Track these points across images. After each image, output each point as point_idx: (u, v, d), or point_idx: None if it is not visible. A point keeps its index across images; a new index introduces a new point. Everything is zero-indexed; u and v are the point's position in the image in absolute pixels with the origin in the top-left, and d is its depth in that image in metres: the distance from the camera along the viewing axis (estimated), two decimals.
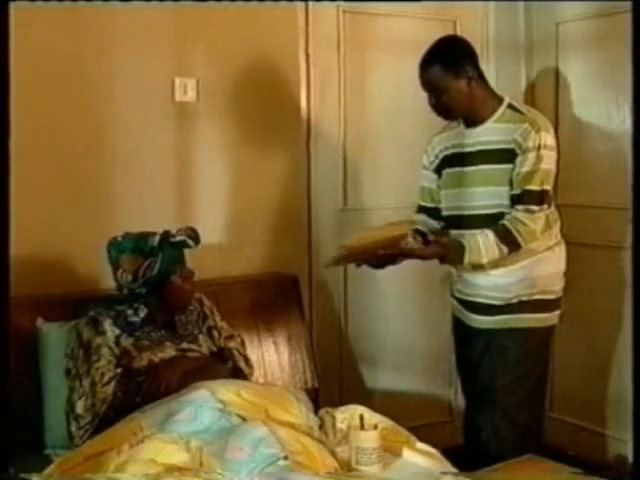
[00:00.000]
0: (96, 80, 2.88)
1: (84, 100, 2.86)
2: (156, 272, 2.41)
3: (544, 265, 2.67)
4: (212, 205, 3.14)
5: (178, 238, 2.45)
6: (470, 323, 2.78)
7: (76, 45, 2.83)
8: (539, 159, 2.54)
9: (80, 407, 2.31)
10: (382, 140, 3.49)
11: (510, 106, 2.65)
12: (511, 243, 2.54)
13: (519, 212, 2.55)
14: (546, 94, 3.56)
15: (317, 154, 3.36)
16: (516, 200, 2.57)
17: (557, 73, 3.51)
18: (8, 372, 1.51)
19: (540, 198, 2.56)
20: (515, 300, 2.66)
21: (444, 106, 2.63)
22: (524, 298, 2.66)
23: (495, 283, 2.66)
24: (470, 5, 3.60)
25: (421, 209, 2.88)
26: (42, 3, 2.65)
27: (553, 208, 2.70)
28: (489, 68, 3.64)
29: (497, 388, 2.70)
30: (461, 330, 2.87)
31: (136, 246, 2.42)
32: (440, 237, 2.69)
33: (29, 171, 2.61)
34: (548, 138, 2.57)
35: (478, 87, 2.64)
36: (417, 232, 2.71)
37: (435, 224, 2.84)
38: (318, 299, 3.39)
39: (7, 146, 1.45)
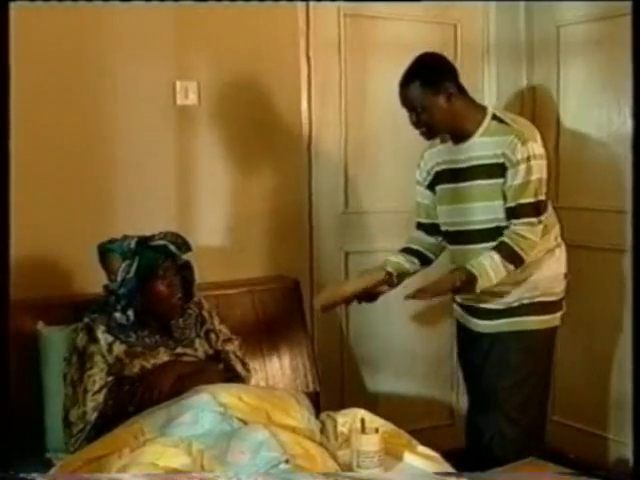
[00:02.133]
0: (97, 83, 2.89)
1: (85, 103, 2.87)
2: (132, 274, 2.41)
3: (544, 268, 2.67)
4: (213, 208, 3.14)
5: (156, 242, 2.45)
6: (472, 327, 2.78)
7: (77, 48, 2.84)
8: (529, 171, 2.53)
9: (73, 415, 2.32)
10: (383, 143, 3.49)
11: (494, 117, 2.63)
12: (515, 260, 2.54)
13: (518, 226, 2.55)
14: (547, 97, 3.56)
15: (318, 157, 3.35)
16: (512, 214, 2.56)
17: (558, 75, 3.51)
18: (9, 375, 1.51)
19: (536, 209, 2.56)
20: (516, 303, 2.67)
21: (425, 124, 2.61)
22: (525, 301, 2.67)
23: (495, 288, 2.66)
24: (471, 8, 3.60)
25: (419, 225, 2.88)
26: (42, 4, 2.64)
27: (550, 211, 2.70)
28: (490, 71, 3.65)
29: (500, 390, 2.70)
30: (464, 334, 2.87)
31: (116, 248, 2.44)
32: (452, 272, 2.65)
33: (30, 174, 2.61)
34: (535, 147, 2.56)
35: (458, 102, 2.61)
36: (389, 274, 2.70)
37: (432, 240, 2.84)
38: None
39: (7, 149, 1.45)
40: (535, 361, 2.72)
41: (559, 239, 2.74)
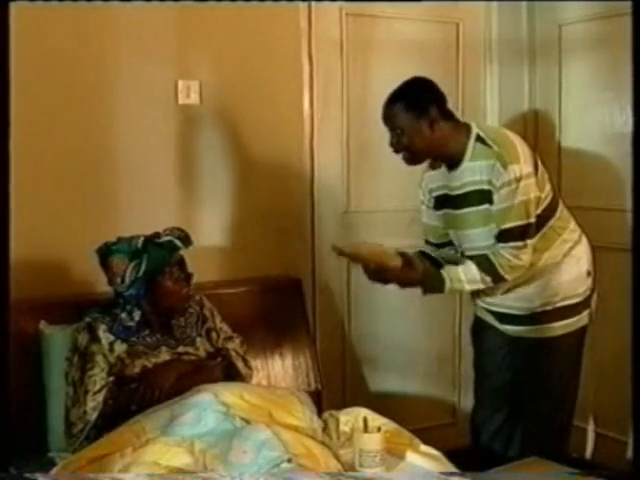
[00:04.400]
0: (98, 83, 2.89)
1: (86, 103, 2.87)
2: (142, 274, 2.40)
3: (564, 272, 2.63)
4: (215, 208, 3.14)
5: (164, 239, 2.45)
6: (493, 324, 2.75)
7: (78, 47, 2.84)
8: (512, 194, 2.47)
9: (73, 415, 2.32)
10: (385, 143, 3.45)
11: (478, 138, 2.55)
12: (493, 274, 2.52)
13: (501, 249, 2.51)
14: (549, 96, 3.55)
15: (320, 156, 3.35)
16: (497, 239, 2.52)
17: (560, 74, 3.50)
18: (9, 375, 1.51)
19: (520, 233, 2.50)
20: (539, 309, 2.63)
21: (405, 147, 2.57)
22: (547, 307, 2.63)
23: (516, 294, 2.64)
24: (473, 7, 3.60)
25: (427, 242, 2.84)
26: (42, 4, 2.63)
27: (559, 214, 2.65)
28: (492, 69, 3.65)
29: (524, 393, 2.68)
30: (484, 329, 2.82)
31: (122, 249, 2.43)
32: (418, 264, 2.62)
33: (31, 174, 2.62)
34: (517, 169, 2.47)
35: (442, 129, 2.54)
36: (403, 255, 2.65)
37: (443, 250, 2.80)
38: (321, 302, 3.38)
39: (8, 149, 1.45)
40: (562, 364, 2.68)
41: (575, 238, 2.68)
